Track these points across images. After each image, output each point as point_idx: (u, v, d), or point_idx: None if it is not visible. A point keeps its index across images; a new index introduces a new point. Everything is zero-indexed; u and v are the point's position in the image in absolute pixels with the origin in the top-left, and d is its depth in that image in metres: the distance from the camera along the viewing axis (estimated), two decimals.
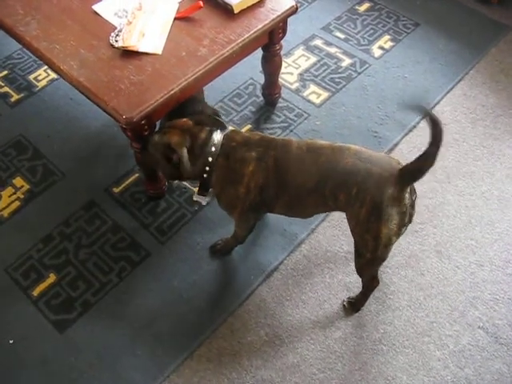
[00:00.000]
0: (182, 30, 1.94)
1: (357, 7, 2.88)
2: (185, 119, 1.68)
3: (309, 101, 2.47)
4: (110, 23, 1.96)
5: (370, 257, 1.58)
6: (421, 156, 1.43)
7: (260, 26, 1.95)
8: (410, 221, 1.54)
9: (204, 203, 2.03)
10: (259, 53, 2.18)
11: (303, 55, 2.65)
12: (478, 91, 2.51)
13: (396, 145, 2.31)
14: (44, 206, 2.14)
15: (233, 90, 2.50)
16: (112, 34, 1.91)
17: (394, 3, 2.89)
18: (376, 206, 1.47)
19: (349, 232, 2.03)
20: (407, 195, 1.49)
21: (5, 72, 2.60)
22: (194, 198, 1.80)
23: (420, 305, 1.88)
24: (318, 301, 1.90)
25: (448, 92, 2.50)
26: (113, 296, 1.90)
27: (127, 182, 2.20)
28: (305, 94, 2.49)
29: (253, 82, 2.53)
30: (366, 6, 2.88)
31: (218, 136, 1.65)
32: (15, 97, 2.50)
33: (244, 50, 1.95)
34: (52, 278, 1.95)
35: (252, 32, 1.93)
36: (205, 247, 2.02)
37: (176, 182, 2.13)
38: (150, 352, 1.79)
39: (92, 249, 2.02)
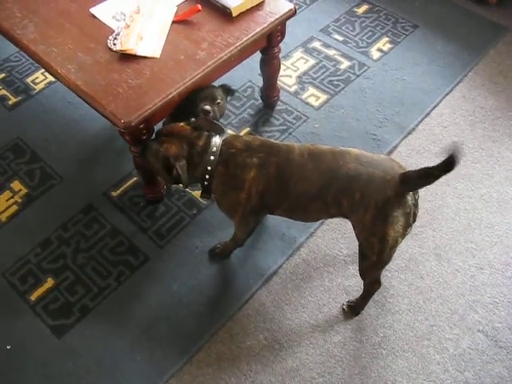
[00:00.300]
0: (180, 34, 1.93)
1: (355, 9, 2.88)
2: (182, 124, 1.67)
3: (307, 103, 2.46)
4: (108, 26, 1.95)
5: (375, 259, 1.58)
6: (424, 171, 1.41)
7: (258, 30, 1.94)
8: (414, 220, 1.54)
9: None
10: (258, 55, 2.18)
11: (302, 58, 2.65)
12: (477, 93, 2.51)
13: (395, 147, 2.31)
14: (42, 209, 2.13)
15: None
16: (110, 38, 1.91)
17: (393, 5, 2.88)
18: (381, 210, 1.47)
19: (348, 235, 2.04)
20: (410, 196, 1.49)
21: (2, 75, 2.59)
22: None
23: (419, 308, 1.88)
24: (317, 305, 1.90)
25: (447, 94, 2.50)
26: (111, 301, 1.90)
27: (125, 186, 2.19)
28: (303, 97, 2.49)
29: (251, 84, 2.52)
30: (364, 8, 2.88)
31: (216, 142, 1.63)
32: (13, 100, 2.49)
33: (242, 54, 1.95)
34: (50, 282, 1.94)
35: (250, 35, 1.92)
36: (204, 251, 2.01)
37: (175, 185, 2.13)
38: (148, 357, 1.78)
39: (90, 253, 2.01)
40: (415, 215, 1.53)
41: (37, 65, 2.46)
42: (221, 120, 1.94)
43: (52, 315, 1.87)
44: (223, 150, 1.63)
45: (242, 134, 2.34)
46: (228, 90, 1.95)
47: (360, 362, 1.78)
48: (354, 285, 1.92)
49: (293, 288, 1.93)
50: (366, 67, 2.61)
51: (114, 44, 1.88)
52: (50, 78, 2.54)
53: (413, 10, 2.86)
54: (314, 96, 2.49)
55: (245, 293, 1.91)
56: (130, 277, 1.95)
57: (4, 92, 2.52)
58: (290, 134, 2.35)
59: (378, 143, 2.31)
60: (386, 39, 2.73)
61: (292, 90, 2.52)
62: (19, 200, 2.16)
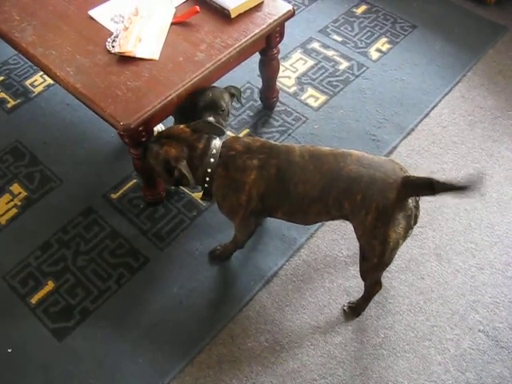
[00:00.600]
0: (178, 35, 1.93)
1: (354, 10, 2.88)
2: (182, 126, 1.67)
3: (307, 104, 2.46)
4: (107, 29, 1.95)
5: (376, 261, 1.58)
6: (430, 182, 1.41)
7: (257, 31, 1.94)
8: (415, 222, 1.54)
9: None
10: (256, 57, 2.18)
11: (301, 59, 2.65)
12: (476, 93, 2.51)
13: (395, 148, 2.31)
14: (42, 212, 2.13)
15: None
16: (108, 40, 1.90)
17: (391, 5, 2.88)
18: (382, 212, 1.47)
19: (348, 236, 2.04)
20: (411, 198, 1.49)
21: (1, 78, 2.59)
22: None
23: (420, 309, 1.88)
24: (317, 306, 1.89)
25: (446, 94, 2.50)
26: (112, 303, 1.89)
27: (125, 188, 2.19)
28: (302, 98, 2.49)
29: (250, 86, 2.52)
30: (362, 8, 2.88)
31: (216, 145, 1.63)
32: (11, 103, 2.49)
33: (241, 55, 1.95)
34: (50, 285, 1.94)
35: (249, 36, 1.92)
36: (204, 253, 2.01)
37: (174, 187, 2.12)
38: (150, 359, 1.78)
39: (90, 255, 2.01)
40: (416, 217, 1.53)
41: (35, 67, 2.44)
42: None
43: (53, 318, 1.86)
44: (223, 152, 1.63)
45: (241, 135, 2.34)
46: (233, 95, 1.93)
47: (361, 362, 1.77)
48: (355, 286, 1.92)
49: (293, 289, 1.93)
50: (364, 68, 2.61)
51: (113, 46, 1.88)
52: (49, 81, 2.54)
53: (411, 10, 2.86)
54: (313, 97, 2.49)
55: (245, 294, 1.91)
56: (131, 279, 1.95)
57: (3, 95, 2.52)
58: (289, 135, 2.35)
59: (378, 144, 2.31)
60: (384, 39, 2.73)
61: (291, 90, 2.52)
62: (19, 203, 2.16)
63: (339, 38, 2.73)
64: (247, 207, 1.64)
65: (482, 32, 2.74)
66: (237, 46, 1.90)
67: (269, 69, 2.25)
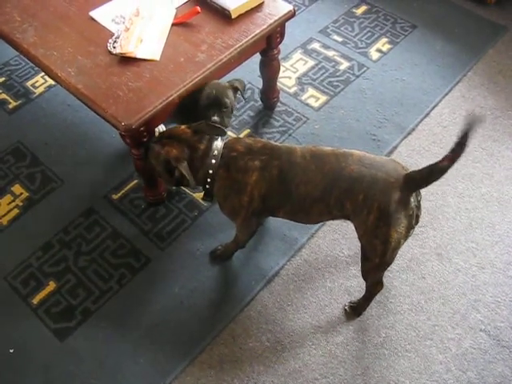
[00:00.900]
0: (179, 36, 1.94)
1: (354, 10, 2.88)
2: (183, 127, 1.67)
3: (307, 104, 2.47)
4: (108, 29, 1.96)
5: (378, 261, 1.58)
6: (429, 168, 1.42)
7: (258, 31, 1.95)
8: (416, 222, 1.54)
9: None
10: (257, 57, 2.18)
11: (301, 59, 2.65)
12: (477, 93, 2.51)
13: (395, 147, 2.31)
14: (43, 213, 2.13)
15: None
16: (109, 41, 1.91)
17: (391, 6, 2.89)
18: (384, 212, 1.47)
19: (349, 236, 2.04)
20: (413, 198, 1.49)
21: (2, 79, 2.59)
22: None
23: (421, 308, 1.88)
24: (319, 305, 1.90)
25: (446, 94, 2.50)
26: (113, 303, 1.89)
27: (126, 189, 2.20)
28: (303, 98, 2.49)
29: (251, 86, 2.52)
30: (363, 8, 2.89)
31: (218, 146, 1.63)
32: (13, 104, 2.49)
33: (242, 55, 1.95)
34: (52, 285, 1.94)
35: (250, 37, 1.93)
36: (205, 253, 2.01)
37: (175, 187, 2.13)
38: (151, 359, 1.78)
39: (92, 256, 2.01)
40: (418, 217, 1.53)
41: (37, 68, 2.46)
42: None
43: (54, 318, 1.87)
44: (225, 154, 1.63)
45: (242, 135, 2.34)
46: (237, 89, 1.90)
47: (362, 362, 1.78)
48: (356, 285, 1.92)
49: (295, 289, 1.93)
50: (365, 68, 2.61)
51: (114, 47, 1.88)
52: (50, 82, 2.54)
53: (411, 11, 2.87)
54: (313, 97, 2.49)
55: (247, 294, 1.91)
56: (132, 279, 1.95)
57: (4, 96, 2.52)
58: (290, 135, 2.35)
59: (378, 143, 2.32)
60: (384, 40, 2.73)
61: (292, 91, 2.52)
62: (20, 204, 2.16)
63: (339, 39, 2.74)
64: (249, 208, 1.64)
65: (482, 32, 2.75)
66: (237, 46, 1.90)
67: (269, 69, 2.25)
